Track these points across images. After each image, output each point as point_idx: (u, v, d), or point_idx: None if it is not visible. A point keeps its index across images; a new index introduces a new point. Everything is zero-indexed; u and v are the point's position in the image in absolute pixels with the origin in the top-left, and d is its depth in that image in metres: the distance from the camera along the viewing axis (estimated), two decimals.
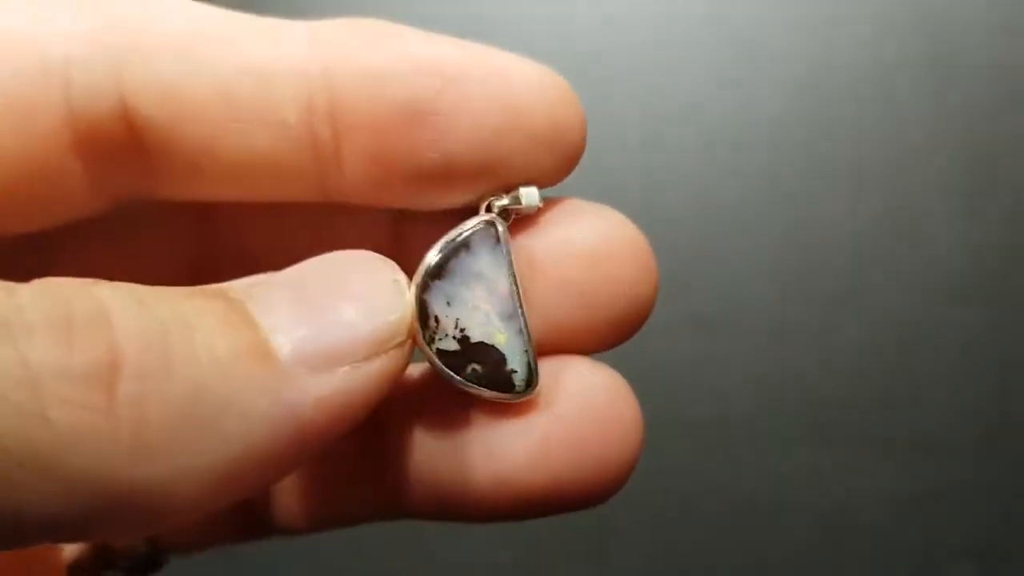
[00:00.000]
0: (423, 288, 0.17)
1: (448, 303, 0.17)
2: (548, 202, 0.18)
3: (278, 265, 0.19)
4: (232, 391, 0.14)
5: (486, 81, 0.16)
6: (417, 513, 0.18)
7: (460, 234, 0.17)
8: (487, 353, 0.17)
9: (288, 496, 0.19)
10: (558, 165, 0.17)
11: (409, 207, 0.18)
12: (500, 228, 0.17)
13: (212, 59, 0.16)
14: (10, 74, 0.16)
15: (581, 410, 0.17)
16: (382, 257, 0.17)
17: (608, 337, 0.18)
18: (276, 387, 0.14)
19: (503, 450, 0.17)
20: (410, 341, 0.16)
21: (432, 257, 0.17)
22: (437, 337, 0.17)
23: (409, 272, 0.18)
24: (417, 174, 0.17)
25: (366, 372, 0.15)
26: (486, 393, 0.18)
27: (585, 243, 0.18)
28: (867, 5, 0.46)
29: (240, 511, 0.20)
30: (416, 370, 0.19)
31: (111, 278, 0.18)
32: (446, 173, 0.17)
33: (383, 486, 0.18)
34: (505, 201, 0.18)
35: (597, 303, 0.18)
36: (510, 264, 0.17)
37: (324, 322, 0.15)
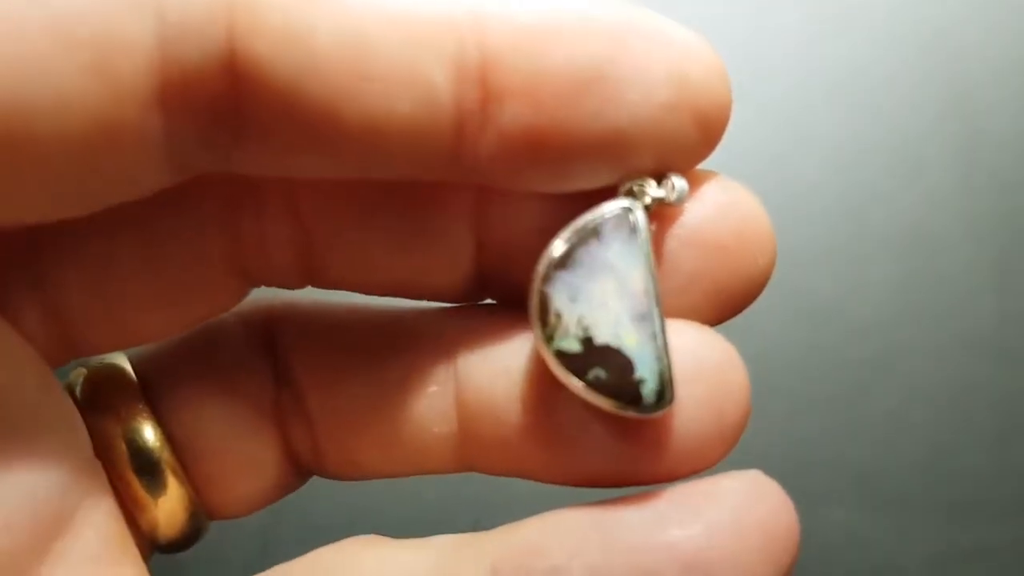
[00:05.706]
0: (545, 279, 0.15)
1: (572, 298, 0.15)
2: None
3: (338, 253, 0.17)
4: None
5: (658, 46, 0.14)
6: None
7: (591, 220, 0.15)
8: (612, 357, 0.15)
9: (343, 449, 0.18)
10: (704, 147, 0.15)
11: (541, 189, 0.16)
12: (638, 216, 0.15)
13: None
14: None
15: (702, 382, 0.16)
16: None
17: (720, 317, 0.16)
18: None
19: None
20: None
21: (558, 245, 0.15)
22: (557, 336, 0.15)
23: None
24: (568, 150, 0.14)
25: None
26: (608, 405, 0.15)
27: (714, 231, 0.16)
28: (896, 80, 0.46)
29: (286, 461, 0.18)
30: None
31: (123, 271, 0.16)
32: (600, 150, 0.15)
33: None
34: (659, 192, 0.15)
35: (719, 290, 0.16)
36: (647, 257, 0.15)
37: None
